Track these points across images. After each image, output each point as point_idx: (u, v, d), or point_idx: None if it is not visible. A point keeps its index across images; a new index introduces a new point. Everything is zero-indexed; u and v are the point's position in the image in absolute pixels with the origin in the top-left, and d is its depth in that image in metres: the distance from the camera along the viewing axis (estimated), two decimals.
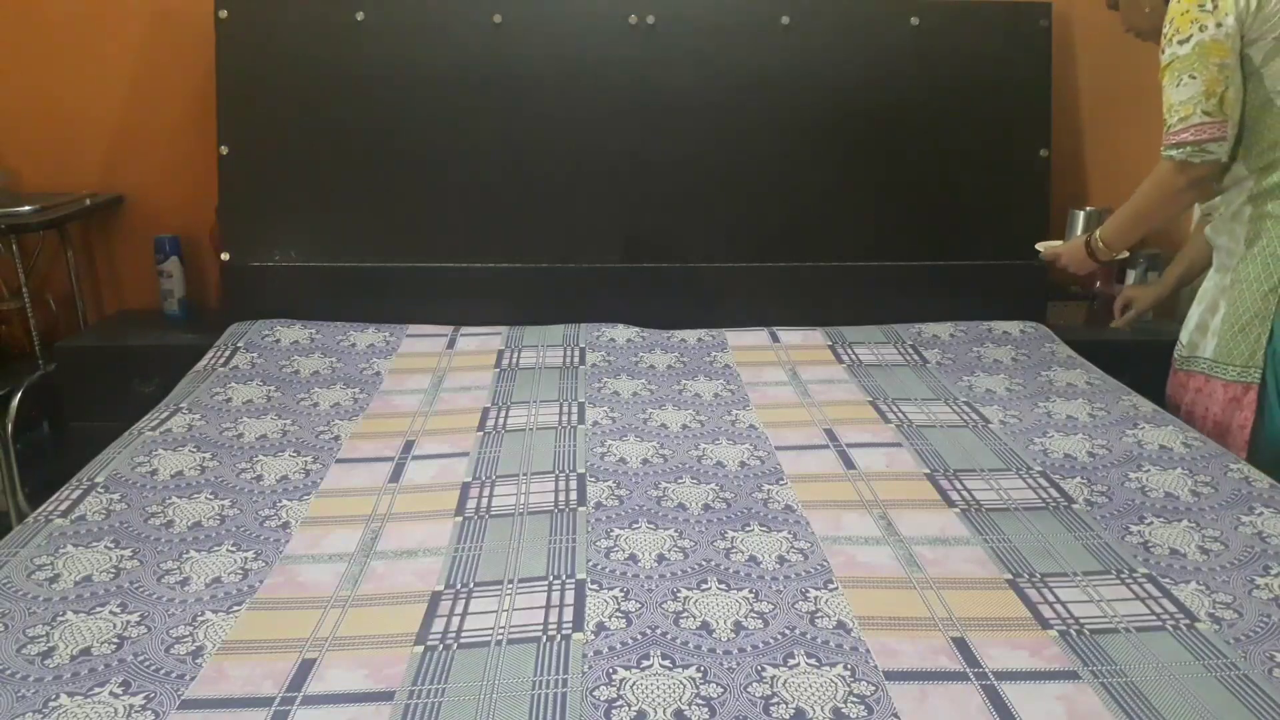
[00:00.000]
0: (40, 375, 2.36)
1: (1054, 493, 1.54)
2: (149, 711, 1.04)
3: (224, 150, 2.30)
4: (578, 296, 2.36)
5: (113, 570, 1.31)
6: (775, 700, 1.05)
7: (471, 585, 1.28)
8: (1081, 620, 1.21)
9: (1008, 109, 2.41)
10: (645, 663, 1.12)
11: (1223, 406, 1.82)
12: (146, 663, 1.12)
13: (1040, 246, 2.13)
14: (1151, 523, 1.45)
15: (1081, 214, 2.18)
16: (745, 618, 1.21)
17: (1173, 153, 1.71)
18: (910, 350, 2.21)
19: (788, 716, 1.03)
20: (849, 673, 1.10)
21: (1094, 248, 1.93)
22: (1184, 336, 1.94)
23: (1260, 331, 1.75)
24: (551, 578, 1.29)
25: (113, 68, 2.44)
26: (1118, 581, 1.30)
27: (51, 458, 2.40)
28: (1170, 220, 1.91)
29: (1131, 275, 2.52)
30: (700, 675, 1.09)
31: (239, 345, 2.14)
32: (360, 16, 2.28)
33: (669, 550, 1.36)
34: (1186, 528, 1.43)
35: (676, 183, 2.38)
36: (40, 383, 2.35)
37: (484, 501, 1.51)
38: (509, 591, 1.26)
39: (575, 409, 1.87)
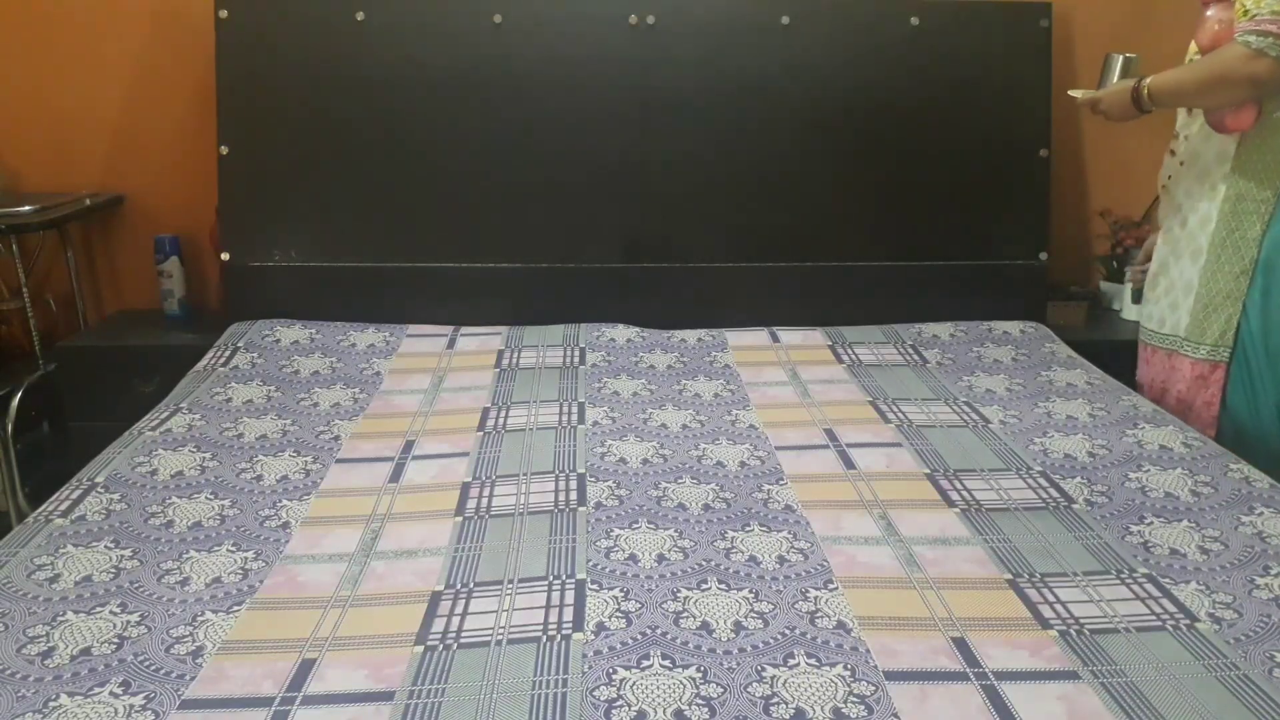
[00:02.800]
0: (40, 375, 2.36)
1: (1054, 493, 1.54)
2: (149, 711, 1.04)
3: (224, 150, 2.30)
4: (578, 296, 2.36)
5: (113, 570, 1.31)
6: (775, 700, 1.05)
7: (471, 585, 1.28)
8: (1081, 620, 1.21)
9: (1008, 109, 2.41)
10: (645, 663, 1.12)
11: (1189, 384, 1.85)
12: (146, 663, 1.12)
13: (1074, 92, 2.04)
14: (1151, 523, 1.45)
15: (1120, 58, 2.01)
16: (745, 618, 1.21)
17: (1250, 38, 1.63)
18: (910, 350, 2.21)
19: (788, 716, 1.03)
20: (849, 673, 1.10)
21: (1140, 95, 1.84)
22: (1154, 311, 1.97)
23: (1232, 311, 1.79)
24: (551, 578, 1.29)
25: (113, 68, 2.44)
26: (1118, 581, 1.30)
27: (51, 458, 2.40)
28: (1214, 107, 1.79)
29: (1128, 273, 2.52)
30: (700, 675, 1.09)
31: (239, 345, 2.14)
32: (360, 16, 2.28)
33: (669, 550, 1.36)
34: (1186, 528, 1.43)
35: (676, 183, 2.38)
36: (40, 383, 2.35)
37: (484, 501, 1.51)
38: (509, 591, 1.26)
39: (575, 409, 1.86)
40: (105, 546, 1.36)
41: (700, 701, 1.05)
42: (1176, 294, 1.91)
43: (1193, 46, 1.84)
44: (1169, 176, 1.95)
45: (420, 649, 1.15)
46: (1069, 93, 2.07)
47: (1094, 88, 2.01)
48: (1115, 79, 1.97)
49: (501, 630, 1.18)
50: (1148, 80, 1.83)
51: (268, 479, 1.59)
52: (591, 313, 2.34)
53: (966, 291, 2.42)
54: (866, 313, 2.37)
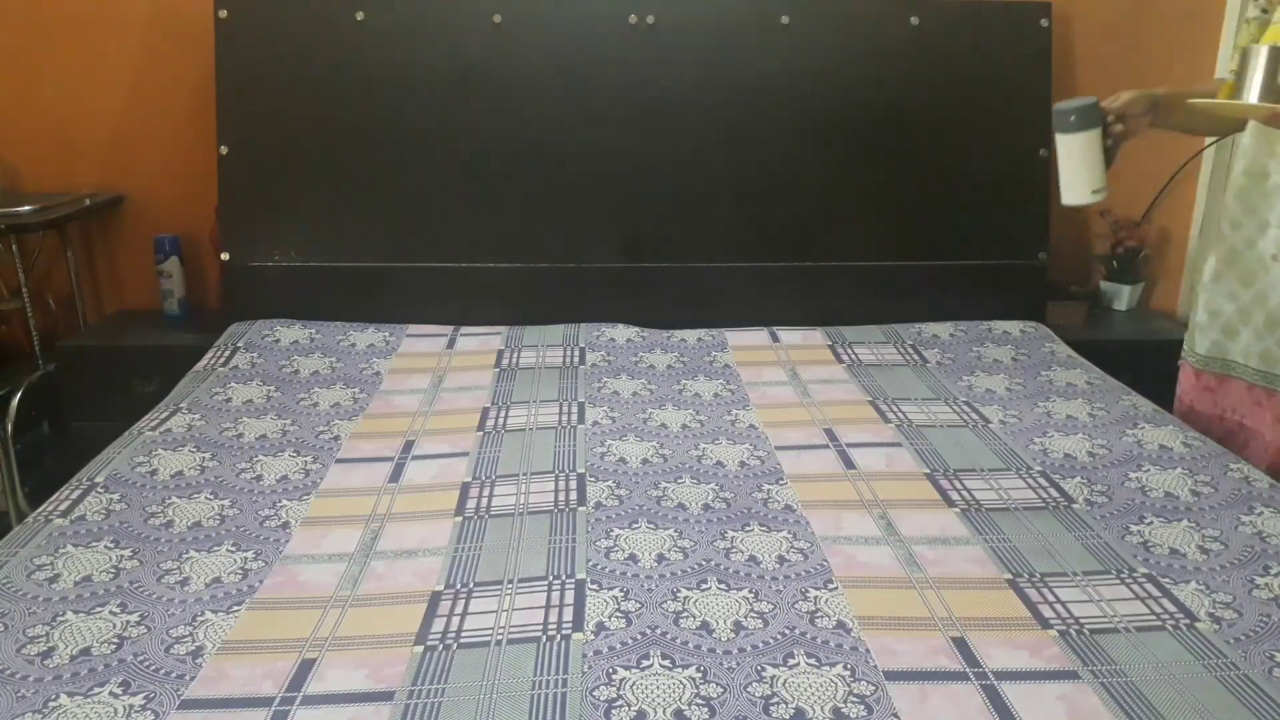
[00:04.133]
0: (40, 375, 2.36)
1: (1054, 492, 1.54)
2: (149, 711, 1.04)
3: (224, 150, 2.30)
4: (578, 296, 2.36)
5: (112, 570, 1.31)
6: (775, 700, 1.05)
7: (471, 585, 1.28)
8: (1081, 620, 1.21)
9: (1008, 109, 2.41)
10: (645, 663, 1.12)
11: None
12: (146, 663, 1.12)
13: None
14: (1151, 522, 1.45)
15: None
16: (745, 617, 1.21)
17: None
18: (910, 350, 2.21)
19: (788, 716, 1.03)
20: (849, 673, 1.10)
21: None
22: (1254, 346, 1.74)
23: None
24: (551, 578, 1.29)
25: (113, 68, 2.44)
26: (1118, 581, 1.30)
27: (51, 458, 2.40)
28: None
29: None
30: (700, 675, 1.09)
31: (239, 345, 2.14)
32: (360, 16, 2.28)
33: (669, 550, 1.36)
34: (1186, 527, 1.43)
35: (677, 183, 2.38)
36: (40, 383, 2.35)
37: (484, 501, 1.51)
38: (509, 591, 1.27)
39: (575, 409, 1.86)
40: (105, 546, 1.36)
41: (700, 701, 1.05)
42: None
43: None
44: None
45: (420, 649, 1.15)
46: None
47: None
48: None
49: (501, 630, 1.18)
50: None
51: (267, 479, 1.59)
52: (591, 313, 2.34)
53: (966, 291, 2.42)
54: (866, 313, 2.37)
